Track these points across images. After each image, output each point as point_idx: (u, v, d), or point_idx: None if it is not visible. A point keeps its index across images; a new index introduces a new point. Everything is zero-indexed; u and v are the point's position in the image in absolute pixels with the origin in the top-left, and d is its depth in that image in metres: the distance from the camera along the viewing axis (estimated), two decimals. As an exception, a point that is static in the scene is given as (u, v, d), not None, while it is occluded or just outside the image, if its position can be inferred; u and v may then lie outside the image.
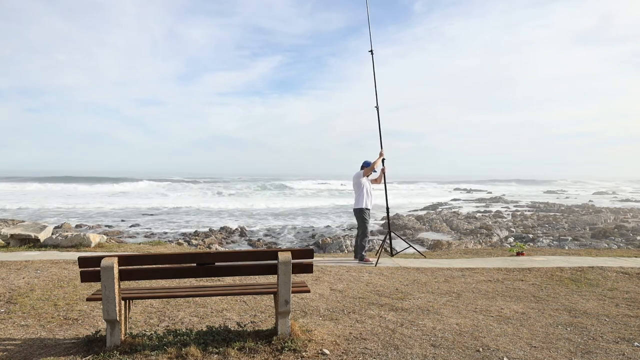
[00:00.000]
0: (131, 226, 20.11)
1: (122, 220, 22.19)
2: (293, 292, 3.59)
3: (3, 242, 8.29)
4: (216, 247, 14.72)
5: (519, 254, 8.26)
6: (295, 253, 3.46)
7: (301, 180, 75.01)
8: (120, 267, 3.29)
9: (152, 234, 17.96)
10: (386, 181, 7.77)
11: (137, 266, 3.33)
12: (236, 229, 19.67)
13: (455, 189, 67.30)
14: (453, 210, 29.62)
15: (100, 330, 3.64)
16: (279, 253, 3.40)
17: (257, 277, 5.78)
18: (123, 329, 3.39)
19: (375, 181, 7.79)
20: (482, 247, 15.01)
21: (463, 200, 42.02)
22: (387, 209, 7.94)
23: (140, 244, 10.23)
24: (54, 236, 8.31)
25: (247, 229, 19.73)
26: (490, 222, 21.89)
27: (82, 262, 3.26)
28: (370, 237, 13.73)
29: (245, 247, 15.56)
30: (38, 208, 26.40)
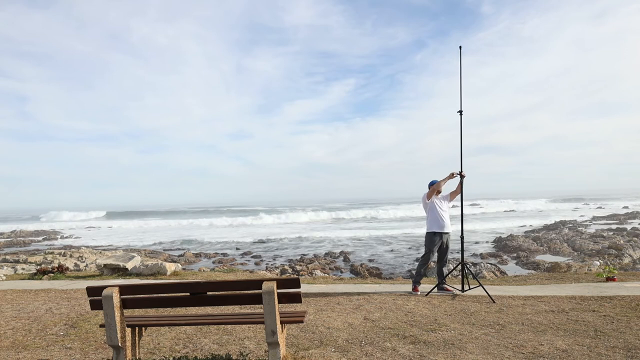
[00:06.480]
0: (243, 254, 21.73)
1: (237, 249, 24.14)
2: (286, 322, 3.54)
3: (98, 271, 9.43)
4: (315, 273, 14.92)
5: (609, 279, 7.14)
6: (281, 282, 3.43)
7: (405, 204, 76.13)
8: (122, 296, 3.56)
9: (261, 260, 19.26)
10: (463, 199, 6.49)
11: (136, 295, 3.57)
12: (340, 254, 20.24)
13: (584, 204, 61.79)
14: (578, 229, 26.76)
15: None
16: (263, 283, 3.40)
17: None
18: (129, 355, 3.63)
19: (453, 194, 6.77)
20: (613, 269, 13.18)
21: (591, 217, 37.95)
22: (462, 235, 6.64)
23: (213, 270, 10.86)
24: (136, 265, 9.23)
25: (349, 254, 20.02)
26: (622, 241, 19.04)
27: (90, 291, 3.59)
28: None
29: (347, 273, 15.51)
30: (170, 239, 30.03)
